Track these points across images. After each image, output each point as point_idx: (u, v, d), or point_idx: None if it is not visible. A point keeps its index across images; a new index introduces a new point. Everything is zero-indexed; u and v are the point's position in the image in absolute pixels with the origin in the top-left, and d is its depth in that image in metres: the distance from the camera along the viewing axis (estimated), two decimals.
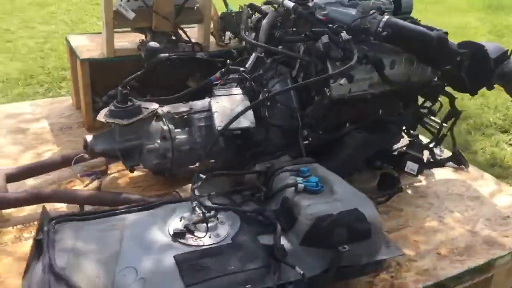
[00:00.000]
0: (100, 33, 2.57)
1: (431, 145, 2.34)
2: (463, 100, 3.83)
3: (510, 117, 4.02)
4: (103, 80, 2.48)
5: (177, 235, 1.53)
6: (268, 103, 2.03)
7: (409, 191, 2.21)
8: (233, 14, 2.59)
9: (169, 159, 2.01)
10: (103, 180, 2.11)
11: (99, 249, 1.46)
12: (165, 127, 2.01)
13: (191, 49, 2.51)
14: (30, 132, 2.55)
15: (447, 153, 2.46)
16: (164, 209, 1.67)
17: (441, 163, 2.37)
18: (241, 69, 2.14)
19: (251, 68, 2.17)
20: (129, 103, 1.96)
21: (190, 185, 1.77)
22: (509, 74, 2.10)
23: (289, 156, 1.97)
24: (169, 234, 1.54)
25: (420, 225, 1.98)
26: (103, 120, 1.93)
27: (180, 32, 2.59)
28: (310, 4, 2.13)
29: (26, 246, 1.70)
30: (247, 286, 1.38)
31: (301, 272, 1.42)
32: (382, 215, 2.02)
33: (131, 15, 2.40)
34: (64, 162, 2.11)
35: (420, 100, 2.30)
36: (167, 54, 2.34)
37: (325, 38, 1.95)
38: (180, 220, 1.60)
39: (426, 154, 2.33)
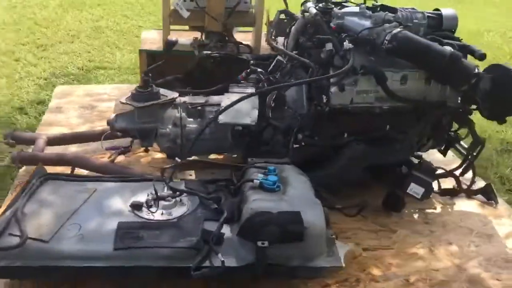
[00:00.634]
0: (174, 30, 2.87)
1: (456, 172, 2.18)
2: None
3: None
4: (160, 70, 2.76)
5: (134, 207, 1.68)
6: (273, 104, 2.10)
7: (416, 215, 2.09)
8: (285, 19, 2.67)
9: (179, 145, 2.19)
10: (127, 155, 2.36)
11: (62, 204, 1.67)
12: (178, 115, 2.19)
13: (237, 50, 2.65)
14: (97, 109, 2.93)
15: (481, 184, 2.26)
16: (140, 184, 1.84)
17: (466, 193, 2.19)
18: (259, 70, 2.23)
19: (270, 70, 2.24)
20: (149, 89, 2.18)
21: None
22: None
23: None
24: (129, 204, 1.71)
25: (404, 250, 1.88)
26: (124, 101, 2.18)
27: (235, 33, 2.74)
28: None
29: None
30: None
31: (222, 259, 1.49)
32: (370, 233, 1.97)
33: (185, 14, 2.63)
34: (100, 135, 2.39)
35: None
36: (209, 52, 2.52)
37: (328, 46, 1.96)
38: (147, 196, 1.76)
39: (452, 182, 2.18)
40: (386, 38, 1.88)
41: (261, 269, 1.52)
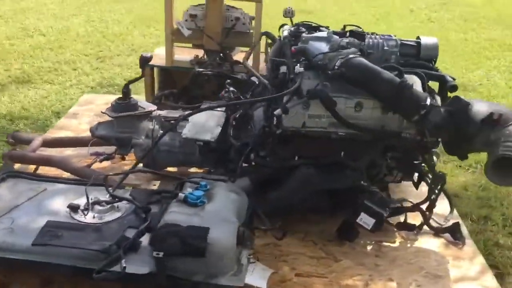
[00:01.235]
0: (184, 47, 3.03)
1: (423, 206, 2.07)
2: None
3: None
4: (166, 83, 2.92)
5: (71, 208, 1.80)
6: (234, 123, 2.14)
7: (369, 247, 2.02)
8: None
9: (150, 155, 2.29)
10: (113, 162, 2.51)
11: (8, 199, 1.83)
12: (151, 127, 2.30)
13: (230, 68, 2.72)
14: (107, 117, 3.11)
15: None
16: (90, 188, 1.96)
17: (434, 230, 2.08)
18: (231, 89, 2.28)
19: (243, 90, 2.29)
20: (127, 101, 2.31)
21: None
22: (495, 143, 1.73)
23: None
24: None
25: (338, 280, 1.83)
26: (103, 111, 2.33)
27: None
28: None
29: None
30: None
31: (124, 265, 1.56)
32: (312, 259, 1.94)
33: (186, 32, 2.75)
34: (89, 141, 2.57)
35: None
36: (201, 69, 2.63)
37: (283, 69, 1.98)
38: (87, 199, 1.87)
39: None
40: (336, 63, 1.87)
41: (161, 279, 1.57)
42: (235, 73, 2.67)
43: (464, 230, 2.14)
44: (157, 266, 1.56)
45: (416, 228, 2.07)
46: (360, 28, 2.29)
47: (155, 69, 2.99)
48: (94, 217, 1.78)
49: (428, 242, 2.06)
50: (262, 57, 2.78)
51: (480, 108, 1.81)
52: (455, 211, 2.24)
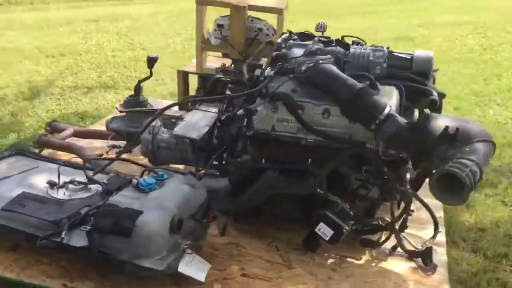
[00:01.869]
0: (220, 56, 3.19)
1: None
2: None
3: None
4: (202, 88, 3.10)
5: (49, 184, 2.00)
6: (218, 124, 2.21)
7: (330, 260, 1.95)
8: None
9: (151, 150, 2.45)
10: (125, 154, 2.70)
11: (3, 171, 2.09)
12: (154, 124, 2.45)
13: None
14: None
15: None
16: (75, 170, 2.14)
17: (408, 253, 1.95)
18: (228, 92, 2.36)
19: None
20: (136, 97, 2.50)
21: None
22: (449, 160, 1.59)
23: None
24: None
25: (281, 286, 1.80)
26: (116, 106, 2.54)
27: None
28: None
29: None
30: None
31: (63, 236, 1.71)
32: (266, 262, 1.93)
33: (213, 41, 2.90)
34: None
35: None
36: (219, 76, 2.75)
37: (257, 72, 2.02)
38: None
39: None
40: (303, 68, 1.87)
41: (93, 253, 1.68)
42: None
43: (443, 258, 1.97)
44: (89, 240, 1.68)
45: (379, 246, 1.95)
46: (362, 40, 2.25)
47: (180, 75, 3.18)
48: (64, 194, 1.96)
49: (396, 265, 1.94)
50: None
51: (442, 122, 1.68)
52: (443, 238, 2.07)
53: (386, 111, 1.72)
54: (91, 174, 2.04)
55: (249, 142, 2.04)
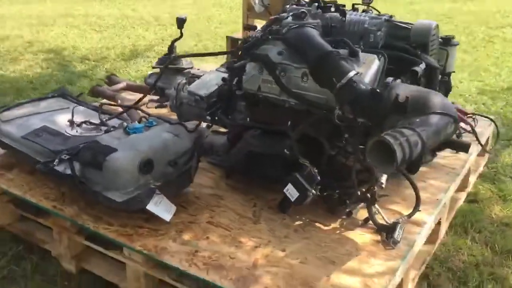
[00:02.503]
0: None
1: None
2: None
3: None
4: None
5: (70, 122, 2.31)
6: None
7: (298, 222, 1.99)
8: None
9: (175, 106, 2.65)
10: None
11: (40, 108, 2.44)
12: (179, 81, 2.64)
13: None
14: None
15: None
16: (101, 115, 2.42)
17: (377, 226, 1.92)
18: None
19: None
20: (169, 56, 2.71)
21: None
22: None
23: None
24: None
25: (236, 237, 1.89)
26: (153, 63, 2.78)
27: None
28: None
29: None
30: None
31: (54, 164, 1.98)
32: (239, 217, 2.03)
33: (257, 8, 2.99)
34: None
35: None
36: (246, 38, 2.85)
37: (252, 35, 2.09)
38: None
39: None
40: (284, 30, 1.91)
41: (75, 181, 1.93)
42: None
43: (413, 237, 1.89)
44: (70, 169, 1.93)
45: (345, 214, 1.94)
46: (374, 9, 2.19)
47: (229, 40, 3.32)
48: (77, 131, 2.25)
49: (360, 236, 1.91)
50: None
51: (401, 90, 1.62)
52: (430, 219, 1.99)
53: (349, 76, 1.70)
54: (106, 119, 2.31)
55: (240, 101, 2.13)
